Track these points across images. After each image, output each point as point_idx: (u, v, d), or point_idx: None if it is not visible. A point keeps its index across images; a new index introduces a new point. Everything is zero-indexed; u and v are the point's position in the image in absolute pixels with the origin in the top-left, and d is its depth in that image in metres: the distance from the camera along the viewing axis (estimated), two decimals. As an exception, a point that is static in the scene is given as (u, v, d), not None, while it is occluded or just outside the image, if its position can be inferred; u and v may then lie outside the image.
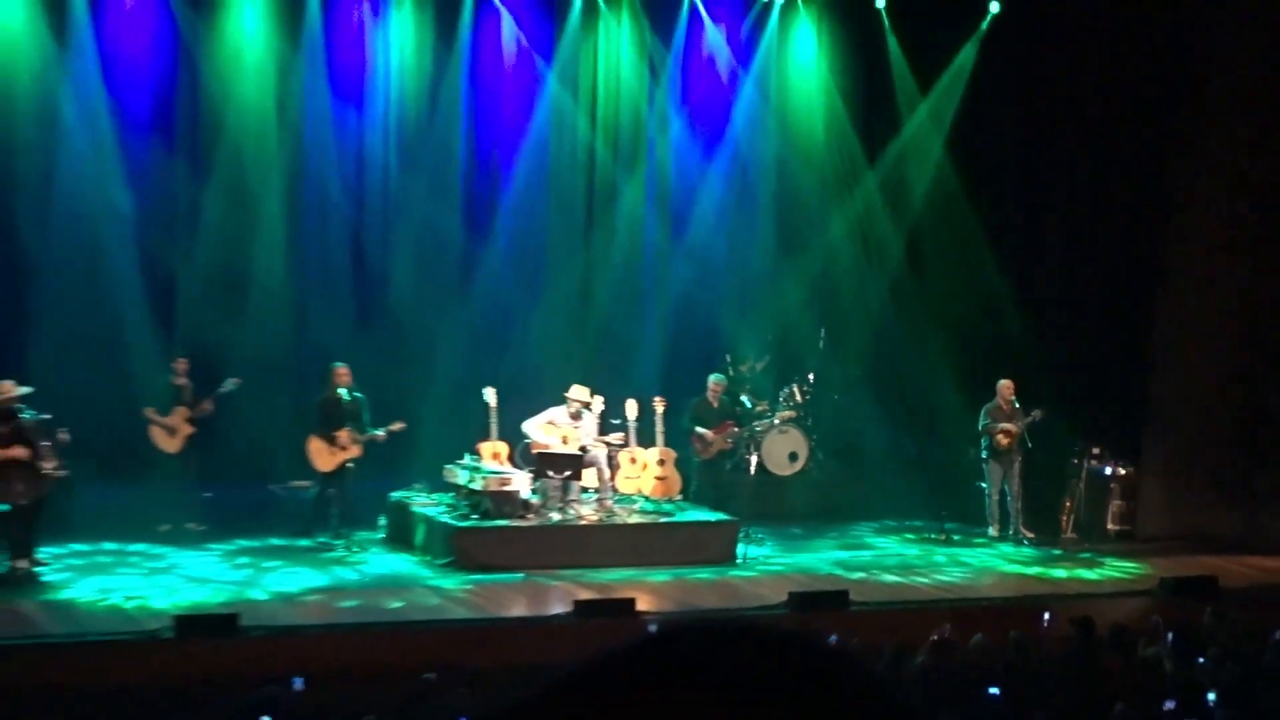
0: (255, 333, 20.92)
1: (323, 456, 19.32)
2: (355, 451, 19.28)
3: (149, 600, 16.59)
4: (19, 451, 17.24)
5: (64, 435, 18.05)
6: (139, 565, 18.15)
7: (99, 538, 18.78)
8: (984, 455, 20.60)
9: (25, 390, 17.50)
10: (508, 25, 21.90)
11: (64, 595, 16.80)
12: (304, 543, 19.24)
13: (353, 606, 16.79)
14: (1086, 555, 20.04)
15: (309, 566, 18.36)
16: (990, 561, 19.70)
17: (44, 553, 17.63)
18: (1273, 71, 20.21)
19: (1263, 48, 20.23)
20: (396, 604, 16.90)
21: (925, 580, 18.65)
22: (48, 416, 17.68)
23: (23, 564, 17.27)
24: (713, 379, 21.32)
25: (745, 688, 1.27)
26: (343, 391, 19.38)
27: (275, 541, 19.32)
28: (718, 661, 1.29)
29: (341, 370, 19.50)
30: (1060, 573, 19.26)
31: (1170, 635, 15.07)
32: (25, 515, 17.32)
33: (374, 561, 18.73)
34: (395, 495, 19.81)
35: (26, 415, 17.42)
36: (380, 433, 19.32)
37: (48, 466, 17.46)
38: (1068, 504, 20.89)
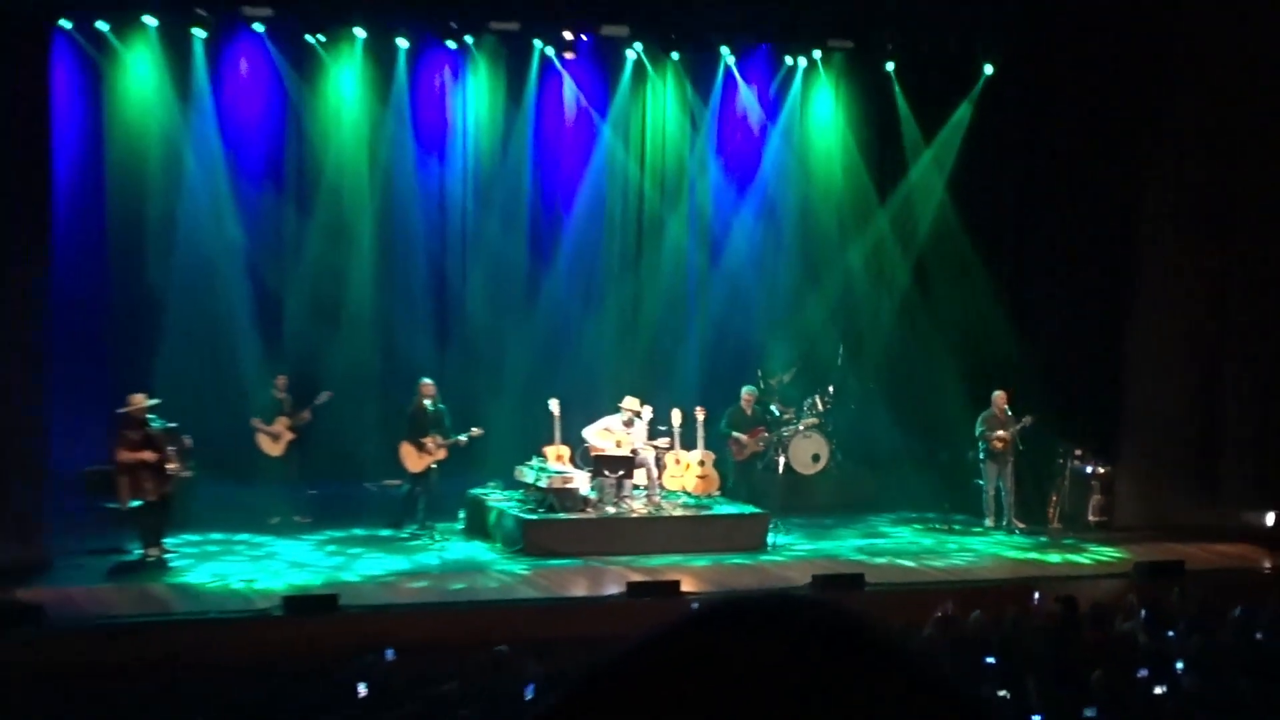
0: (348, 351, 20.89)
1: (412, 459, 19.38)
2: (441, 455, 19.35)
3: (259, 583, 16.72)
4: (148, 455, 17.36)
5: (187, 441, 18.24)
6: (249, 553, 18.25)
7: (215, 529, 18.85)
8: (981, 457, 20.54)
9: (154, 402, 17.61)
10: (569, 85, 21.89)
11: (187, 579, 16.95)
12: (395, 533, 19.25)
13: (436, 588, 16.88)
14: (1070, 542, 19.98)
15: (399, 553, 18.43)
16: (987, 549, 19.62)
17: (170, 542, 17.73)
18: (1221, 125, 20.13)
19: (1210, 103, 20.16)
20: (474, 585, 16.99)
21: (932, 565, 18.61)
22: (174, 425, 17.85)
23: (154, 551, 17.42)
24: (745, 390, 21.25)
25: (786, 653, 1.24)
26: (428, 403, 19.42)
27: (370, 532, 19.32)
28: (759, 630, 1.26)
29: (427, 384, 19.57)
30: (1048, 558, 19.23)
31: (1143, 612, 15.06)
32: (154, 509, 17.46)
33: (454, 549, 18.78)
34: (473, 491, 19.83)
35: (156, 424, 17.57)
36: (462, 438, 19.39)
37: (173, 468, 17.60)
38: (1054, 498, 20.83)
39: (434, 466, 19.35)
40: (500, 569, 17.73)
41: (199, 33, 19.90)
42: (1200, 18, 20.02)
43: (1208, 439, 20.52)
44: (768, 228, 23.02)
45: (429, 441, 19.28)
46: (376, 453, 20.21)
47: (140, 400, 17.49)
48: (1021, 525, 20.45)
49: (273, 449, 19.64)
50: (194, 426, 18.56)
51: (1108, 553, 19.38)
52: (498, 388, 21.23)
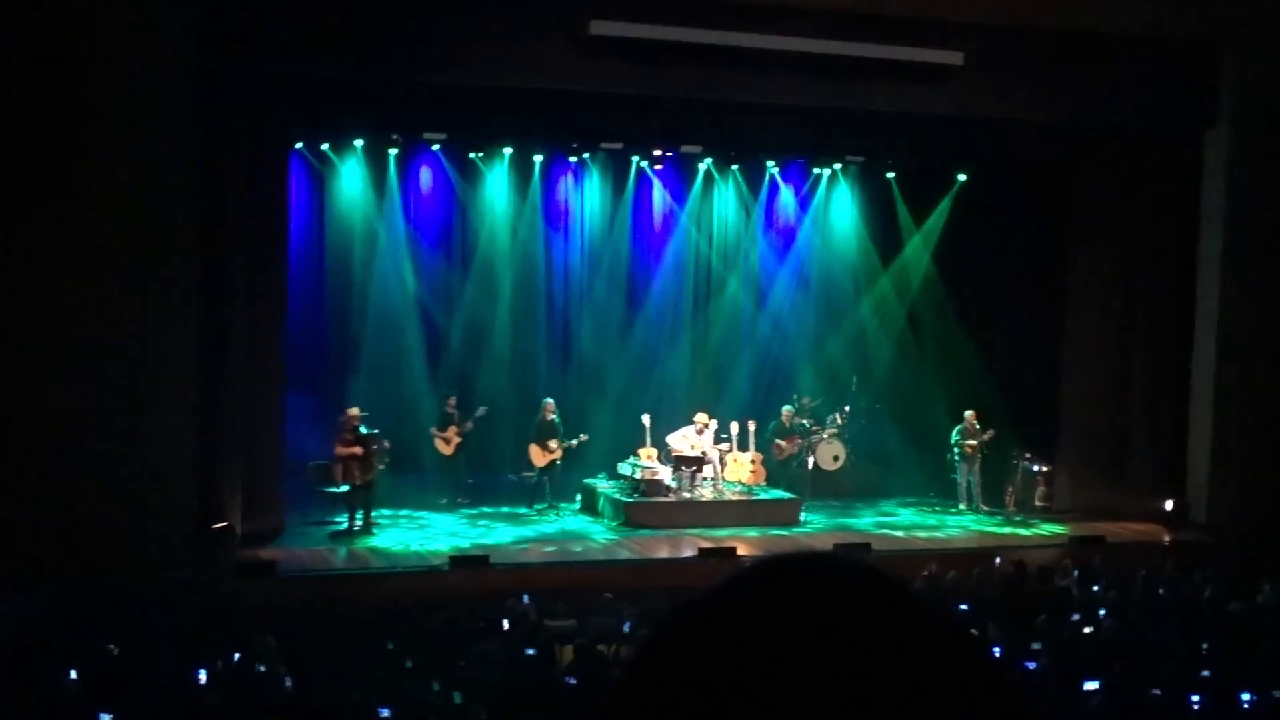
0: (494, 378, 20.97)
1: (538, 457, 19.45)
2: (558, 454, 19.38)
3: (431, 546, 16.83)
4: (357, 450, 17.58)
5: (385, 444, 18.42)
6: (422, 526, 18.32)
7: (402, 507, 18.99)
8: (956, 458, 20.54)
9: (364, 413, 17.90)
10: (657, 187, 22.06)
11: (380, 544, 17.07)
12: (527, 511, 19.33)
13: (559, 550, 16.93)
14: (1021, 520, 19.92)
15: (532, 525, 18.52)
16: (961, 525, 19.57)
17: (373, 515, 17.91)
18: (1129, 209, 20.11)
19: (1119, 192, 20.14)
20: (587, 549, 17.08)
21: (921, 535, 18.60)
22: (376, 431, 18.08)
23: (359, 523, 17.66)
24: (785, 409, 21.21)
25: (823, 591, 1.20)
26: (550, 416, 19.59)
27: (511, 510, 19.40)
28: (800, 576, 1.22)
29: (549, 403, 19.62)
30: (1005, 531, 19.18)
31: (1075, 572, 15.06)
32: (360, 492, 17.68)
33: (572, 522, 18.81)
34: (587, 481, 19.85)
35: (364, 429, 17.82)
36: (574, 442, 19.46)
37: (374, 462, 17.84)
38: (1010, 489, 20.74)
39: (556, 462, 19.43)
40: (606, 538, 17.80)
41: (393, 150, 20.19)
42: (1105, 151, 20.08)
43: (1121, 446, 20.37)
44: (800, 286, 22.91)
45: (551, 443, 19.39)
46: (515, 452, 20.31)
47: (354, 411, 17.80)
48: (986, 508, 20.39)
49: (446, 450, 19.75)
50: (389, 434, 18.73)
51: (1049, 529, 19.30)
52: (604, 405, 21.24)
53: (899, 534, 18.71)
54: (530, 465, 19.63)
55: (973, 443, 20.28)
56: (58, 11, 14.69)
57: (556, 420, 19.58)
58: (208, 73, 15.37)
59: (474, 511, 19.29)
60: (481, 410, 19.68)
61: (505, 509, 19.45)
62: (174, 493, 15.32)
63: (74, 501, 14.54)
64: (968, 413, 20.44)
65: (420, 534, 17.73)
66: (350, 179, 20.38)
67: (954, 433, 20.49)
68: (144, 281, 15.03)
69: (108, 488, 14.70)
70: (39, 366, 14.66)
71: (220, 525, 16.02)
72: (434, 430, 19.79)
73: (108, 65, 14.73)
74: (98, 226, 14.80)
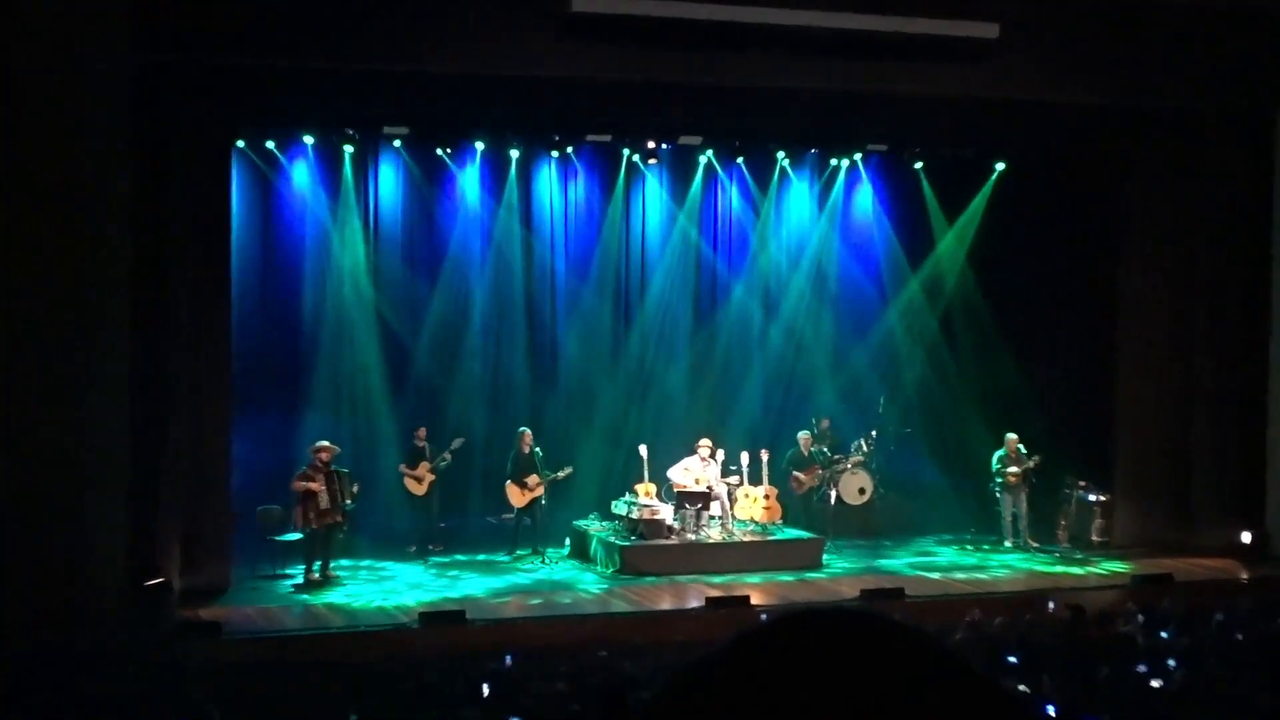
0: (468, 402, 20.99)
1: (516, 496, 19.49)
2: (539, 492, 19.44)
3: (399, 601, 16.78)
4: (317, 485, 17.51)
5: (355, 488, 18.36)
6: (388, 578, 18.30)
7: (368, 557, 19.01)
8: (998, 488, 20.56)
9: (335, 450, 17.92)
10: (652, 183, 22.05)
11: (340, 599, 17.04)
12: (507, 558, 19.35)
13: (547, 602, 16.91)
14: (1078, 558, 19.91)
15: (513, 575, 18.51)
16: (1006, 563, 19.60)
17: (331, 567, 17.95)
18: (1181, 207, 20.12)
19: (1176, 183, 20.19)
20: (578, 600, 17.05)
21: (961, 578, 18.60)
22: (347, 470, 18.04)
23: (317, 576, 17.65)
24: (801, 434, 21.22)
25: (845, 656, 1.21)
26: (528, 448, 19.55)
27: (490, 557, 19.40)
28: (817, 636, 1.23)
29: (526, 433, 19.67)
30: (1059, 571, 19.17)
31: (1140, 616, 14.97)
32: (319, 539, 17.67)
33: (562, 570, 18.82)
34: (577, 523, 19.83)
35: (343, 470, 17.78)
36: (559, 474, 19.49)
37: (337, 503, 17.76)
38: (1062, 522, 20.76)
39: (539, 501, 19.43)
40: (599, 587, 17.80)
41: (348, 148, 20.19)
42: (1161, 134, 20.12)
43: (1188, 471, 20.39)
44: (817, 293, 22.87)
45: (530, 479, 19.38)
46: (492, 490, 20.25)
47: (326, 445, 17.86)
48: (1035, 545, 20.40)
49: (418, 490, 19.73)
50: (349, 471, 18.68)
51: (1108, 566, 19.32)
52: (594, 434, 21.26)
53: (936, 576, 18.73)
54: (508, 506, 19.63)
55: (1017, 470, 20.29)
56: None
57: (536, 452, 19.57)
58: (141, 65, 15.36)
59: (447, 560, 19.31)
60: (458, 442, 19.70)
61: (482, 556, 19.46)
62: (105, 543, 15.21)
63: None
64: (1010, 436, 20.49)
65: (386, 587, 17.72)
66: (300, 181, 20.40)
67: (995, 459, 20.51)
68: (72, 300, 14.96)
69: (24, 537, 14.57)
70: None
71: (155, 581, 15.96)
72: (403, 468, 19.79)
73: (32, 56, 14.71)
74: (19, 244, 14.72)
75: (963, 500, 21.58)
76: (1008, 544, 20.45)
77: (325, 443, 17.89)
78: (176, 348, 16.69)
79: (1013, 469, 20.32)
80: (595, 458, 20.80)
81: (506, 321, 21.57)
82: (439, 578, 18.33)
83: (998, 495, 20.57)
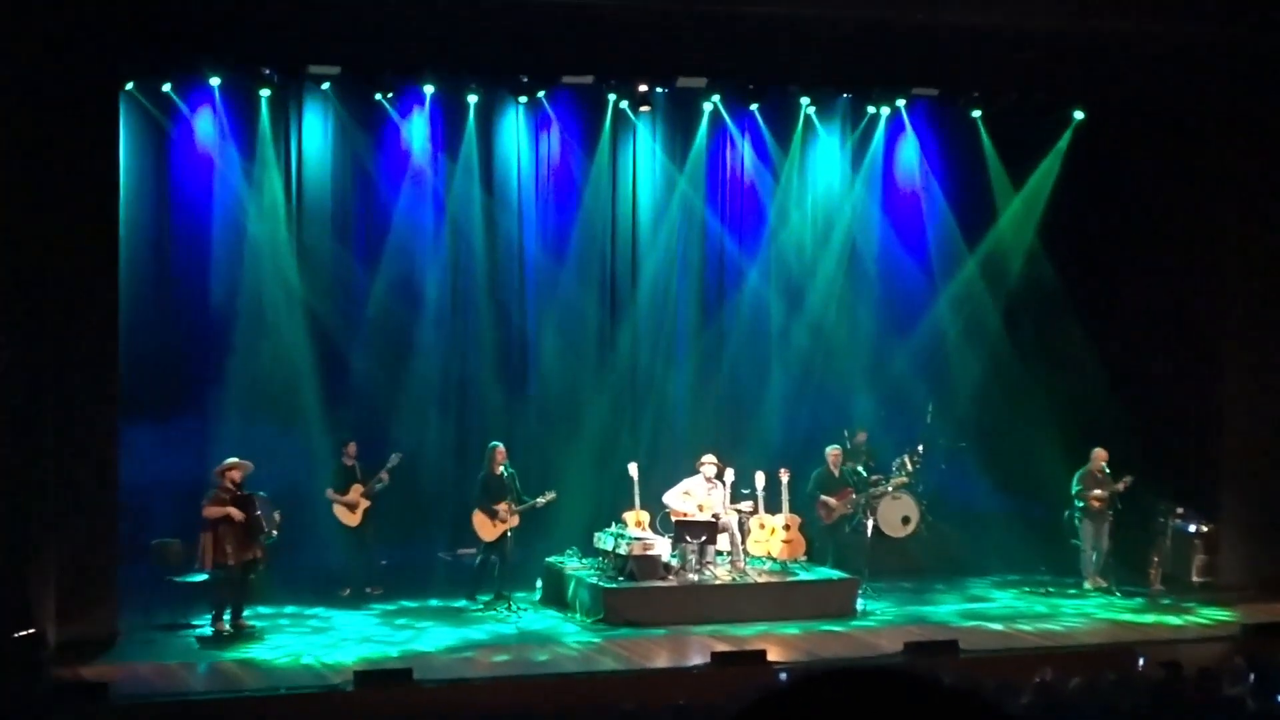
0: (416, 412, 21.03)
1: (486, 528, 19.47)
2: (514, 522, 19.45)
3: (331, 657, 16.77)
4: (235, 513, 17.51)
5: (278, 516, 18.35)
6: (322, 626, 18.34)
7: (290, 602, 19.01)
8: (1078, 517, 20.59)
9: (247, 466, 17.87)
10: (644, 136, 22.01)
11: (257, 654, 17.02)
12: (469, 604, 19.33)
13: (514, 659, 16.88)
14: (1171, 603, 19.90)
15: (474, 624, 18.51)
16: (1086, 611, 19.60)
17: (244, 616, 17.92)
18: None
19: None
20: (554, 656, 17.02)
21: (1028, 628, 18.59)
22: (263, 494, 18.03)
23: (228, 627, 17.60)
24: (830, 449, 21.24)
25: None
26: (500, 469, 19.54)
27: (444, 603, 19.41)
28: (848, 704, 1.23)
29: (499, 450, 19.65)
30: (1149, 620, 19.17)
31: (1251, 676, 14.98)
32: (233, 579, 17.64)
33: (532, 619, 18.81)
34: (550, 560, 19.85)
35: (260, 495, 17.77)
36: (539, 500, 19.50)
37: (256, 536, 17.76)
38: (1155, 559, 20.79)
39: (508, 534, 19.44)
40: (580, 640, 17.81)
41: (264, 92, 20.17)
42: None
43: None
44: (851, 277, 22.94)
45: (503, 509, 19.38)
46: (453, 520, 20.28)
47: (235, 463, 17.80)
48: (1121, 588, 20.38)
49: (350, 519, 19.78)
50: (270, 493, 18.67)
51: (1213, 614, 19.33)
52: (575, 450, 21.30)
53: (997, 627, 18.76)
54: (473, 539, 19.64)
55: (1101, 494, 20.32)
56: None
57: (510, 474, 19.56)
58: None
59: (391, 606, 19.31)
60: (395, 459, 19.74)
61: (435, 602, 19.49)
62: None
63: None
64: (1096, 451, 20.54)
65: (314, 640, 17.71)
66: (204, 134, 20.35)
67: (1074, 480, 20.55)
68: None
69: None
70: None
71: (25, 632, 15.92)
72: (331, 493, 19.82)
73: None
74: None
75: (1030, 532, 21.60)
76: (1086, 585, 20.53)
77: (234, 460, 17.83)
78: (50, 342, 16.65)
79: (1097, 492, 20.35)
80: (575, 479, 20.80)
81: (465, 311, 21.64)
82: (380, 628, 18.31)
83: (1077, 525, 20.61)
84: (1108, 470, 20.43)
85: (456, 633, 18.10)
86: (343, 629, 18.22)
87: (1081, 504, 20.52)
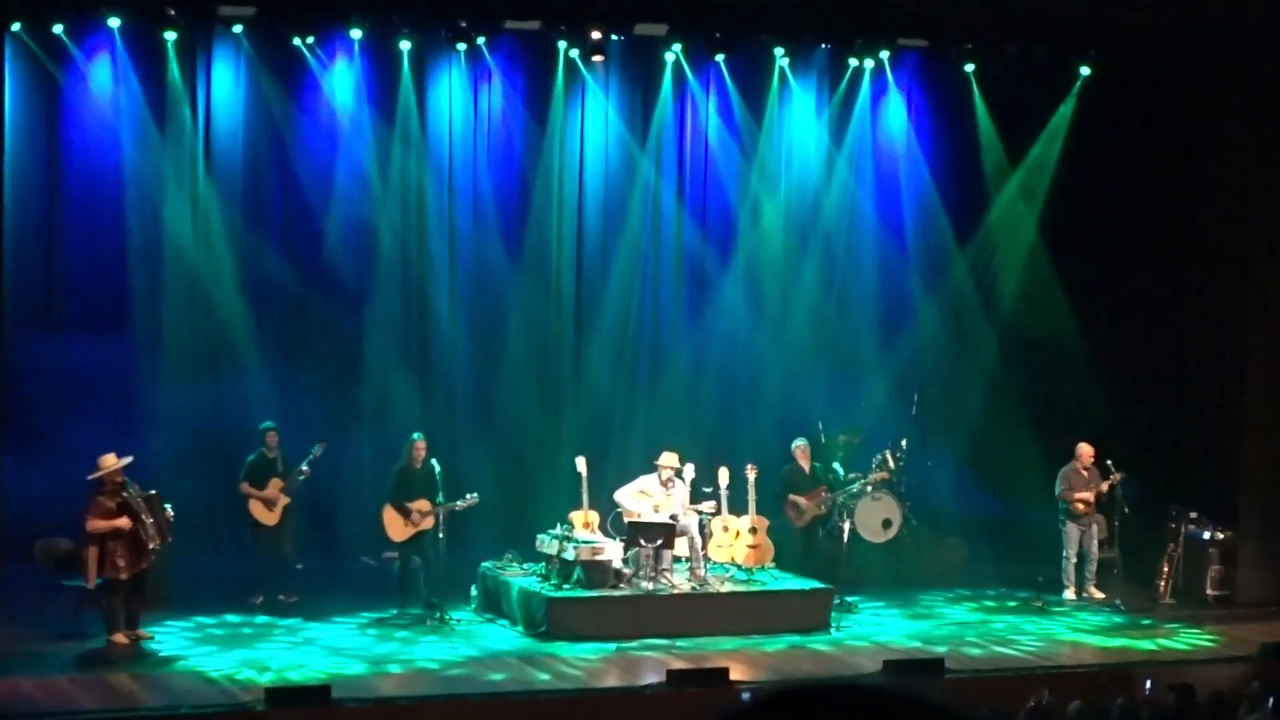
0: (336, 396, 21.08)
1: (396, 527, 19.43)
2: (427, 524, 19.36)
3: (240, 673, 16.74)
4: (123, 522, 17.43)
5: (169, 512, 18.23)
6: (231, 638, 18.28)
7: (193, 611, 18.92)
8: (1061, 520, 20.71)
9: (126, 461, 17.70)
10: (595, 93, 22.01)
11: (157, 668, 17.00)
12: (394, 614, 19.27)
13: (446, 677, 16.89)
14: (1178, 625, 19.95)
15: (400, 638, 18.48)
16: (1087, 626, 19.71)
17: (144, 627, 17.86)
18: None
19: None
20: (490, 675, 17.01)
21: (1022, 647, 18.67)
22: (153, 492, 17.91)
23: (120, 638, 17.52)
24: (797, 443, 21.26)
25: None
26: (420, 462, 19.48)
27: (367, 614, 19.36)
28: None
29: (419, 443, 19.58)
30: (1157, 639, 19.26)
31: (1271, 701, 15.04)
32: (125, 589, 17.57)
33: (466, 632, 18.77)
34: (486, 565, 19.80)
35: (131, 490, 17.63)
36: (458, 504, 19.43)
37: (147, 542, 17.65)
38: (1165, 570, 20.88)
39: (429, 535, 19.37)
40: (520, 655, 17.77)
41: (170, 35, 20.07)
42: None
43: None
44: (824, 250, 23.04)
45: (417, 506, 19.33)
46: (370, 520, 20.17)
47: (112, 461, 17.60)
48: (1102, 597, 20.64)
49: (267, 518, 19.63)
50: (168, 492, 18.51)
51: (1229, 632, 19.39)
52: (510, 445, 21.41)
53: (988, 643, 18.82)
54: (385, 540, 19.63)
55: (1085, 495, 20.44)
56: None
57: (433, 467, 19.52)
58: None
59: (308, 616, 19.23)
60: (317, 449, 19.69)
61: (362, 614, 19.38)
62: None
63: None
64: (1081, 446, 20.68)
65: (221, 654, 17.62)
66: (101, 83, 20.28)
67: (1056, 481, 20.68)
68: None
69: None
70: None
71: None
72: (246, 486, 19.68)
73: None
74: None
75: (1026, 537, 21.75)
76: (1067, 595, 20.62)
77: (111, 456, 17.61)
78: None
79: (1080, 495, 20.45)
80: (512, 474, 20.88)
81: (390, 286, 21.64)
82: (295, 641, 18.27)
83: (1060, 528, 20.72)
84: (1096, 466, 20.56)
85: (380, 646, 18.06)
86: (255, 641, 18.15)
87: (1064, 506, 20.62)
